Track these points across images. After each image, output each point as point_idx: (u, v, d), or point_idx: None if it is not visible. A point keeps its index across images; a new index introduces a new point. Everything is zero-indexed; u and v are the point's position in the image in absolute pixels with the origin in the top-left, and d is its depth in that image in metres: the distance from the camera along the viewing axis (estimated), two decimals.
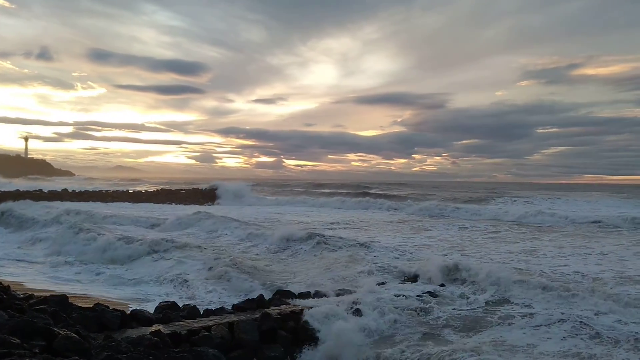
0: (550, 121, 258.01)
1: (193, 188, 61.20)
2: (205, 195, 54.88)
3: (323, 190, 72.42)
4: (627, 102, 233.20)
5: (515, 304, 10.12)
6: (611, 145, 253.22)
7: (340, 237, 18.66)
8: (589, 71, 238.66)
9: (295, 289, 11.32)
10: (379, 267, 14.06)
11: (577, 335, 7.94)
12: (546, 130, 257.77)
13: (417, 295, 10.68)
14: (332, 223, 28.29)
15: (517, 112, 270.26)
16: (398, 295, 10.42)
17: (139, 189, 65.67)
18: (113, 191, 56.24)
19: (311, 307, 9.22)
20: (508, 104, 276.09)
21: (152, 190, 60.03)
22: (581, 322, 8.31)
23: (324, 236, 18.27)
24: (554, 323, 8.44)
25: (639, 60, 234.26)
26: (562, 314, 8.79)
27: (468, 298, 10.79)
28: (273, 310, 8.96)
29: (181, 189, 60.36)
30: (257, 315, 8.56)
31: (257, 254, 17.39)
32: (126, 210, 35.51)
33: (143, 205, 44.63)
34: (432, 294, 10.95)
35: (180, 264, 14.79)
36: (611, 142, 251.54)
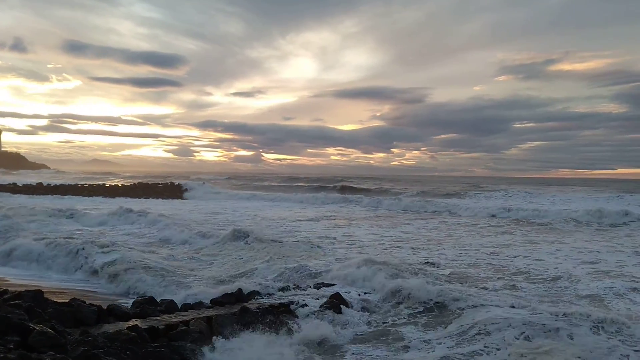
0: (526, 116, 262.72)
1: (171, 182, 61.00)
2: (177, 189, 54.85)
3: (292, 185, 71.13)
4: (602, 97, 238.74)
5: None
6: (586, 140, 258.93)
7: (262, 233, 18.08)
8: (565, 67, 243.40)
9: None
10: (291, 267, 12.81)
11: None
12: (523, 125, 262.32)
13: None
14: (282, 219, 28.18)
15: (495, 107, 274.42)
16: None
17: (115, 182, 64.99)
18: (89, 185, 55.58)
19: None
20: (486, 99, 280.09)
21: (128, 184, 59.45)
22: None
23: (245, 232, 17.40)
24: None
25: (614, 57, 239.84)
26: None
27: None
28: (252, 305, 8.98)
29: (158, 183, 59.99)
30: (236, 310, 8.57)
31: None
32: (83, 204, 34.89)
33: (117, 200, 43.78)
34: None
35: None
36: (586, 137, 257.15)
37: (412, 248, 17.25)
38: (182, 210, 32.78)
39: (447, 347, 7.39)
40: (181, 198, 49.23)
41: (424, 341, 7.78)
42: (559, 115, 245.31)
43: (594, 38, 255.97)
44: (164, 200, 45.80)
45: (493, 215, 29.40)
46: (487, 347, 7.15)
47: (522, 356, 6.58)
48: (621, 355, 6.59)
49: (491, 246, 17.63)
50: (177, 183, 58.81)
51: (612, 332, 7.41)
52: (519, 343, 7.06)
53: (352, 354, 7.41)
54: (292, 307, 9.09)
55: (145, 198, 46.72)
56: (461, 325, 8.08)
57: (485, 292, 10.44)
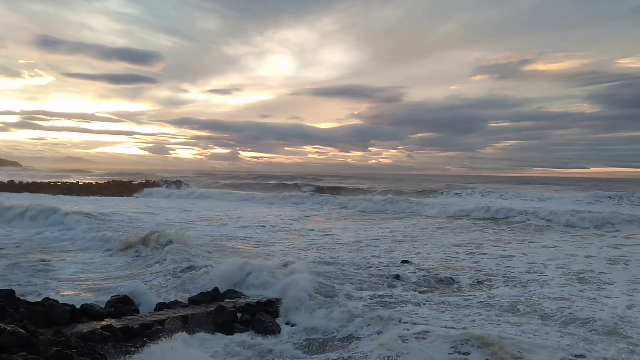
0: (502, 115, 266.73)
1: (146, 180, 60.47)
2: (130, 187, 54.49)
3: (266, 183, 69.65)
4: (576, 97, 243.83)
5: None
6: (560, 140, 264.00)
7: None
8: (540, 67, 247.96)
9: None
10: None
11: None
12: (498, 124, 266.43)
13: None
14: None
15: (470, 106, 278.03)
16: None
17: (87, 180, 63.98)
18: (62, 183, 54.59)
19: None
20: (462, 98, 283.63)
21: (102, 182, 58.63)
22: None
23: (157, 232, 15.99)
24: None
25: (587, 57, 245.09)
26: None
27: None
28: (228, 304, 8.97)
29: (132, 181, 59.34)
30: (212, 309, 8.55)
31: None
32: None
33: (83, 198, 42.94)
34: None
35: None
36: (560, 137, 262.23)
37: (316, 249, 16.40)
38: (126, 208, 30.91)
39: None
40: (130, 196, 48.21)
41: None
42: (534, 115, 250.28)
43: (568, 39, 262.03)
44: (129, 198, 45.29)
45: (450, 216, 29.68)
46: None
47: None
48: None
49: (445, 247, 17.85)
50: (137, 182, 57.99)
51: None
52: None
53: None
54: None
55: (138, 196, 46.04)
56: None
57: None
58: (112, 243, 15.86)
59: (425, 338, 7.31)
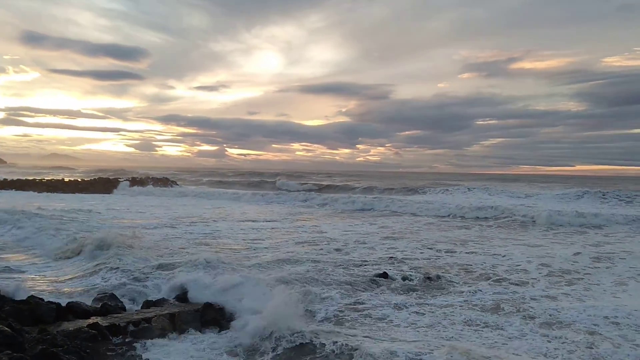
0: (489, 113, 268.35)
1: (132, 177, 60.18)
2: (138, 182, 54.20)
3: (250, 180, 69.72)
4: (562, 95, 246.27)
5: None
6: (546, 138, 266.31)
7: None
8: (527, 65, 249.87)
9: None
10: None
11: None
12: (485, 122, 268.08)
13: None
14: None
15: (458, 104, 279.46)
16: None
17: (74, 177, 63.49)
18: (48, 180, 54.13)
19: None
20: (449, 96, 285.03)
21: (88, 179, 58.20)
22: None
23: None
24: None
25: (573, 56, 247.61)
26: None
27: None
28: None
29: (119, 178, 58.97)
30: (199, 307, 8.55)
31: None
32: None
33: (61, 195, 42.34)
34: None
35: None
36: (546, 135, 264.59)
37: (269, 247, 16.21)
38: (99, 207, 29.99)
39: None
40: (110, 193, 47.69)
41: None
42: (520, 113, 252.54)
43: (554, 37, 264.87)
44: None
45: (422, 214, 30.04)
46: None
47: None
48: None
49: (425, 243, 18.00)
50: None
51: None
52: None
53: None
54: None
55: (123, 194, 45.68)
56: None
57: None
58: (51, 246, 15.07)
59: None
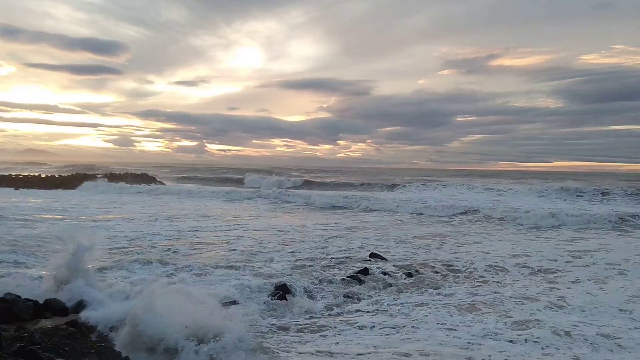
0: (469, 110, 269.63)
1: (111, 173, 59.50)
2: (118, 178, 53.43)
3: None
4: (541, 92, 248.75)
5: None
6: (525, 134, 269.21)
7: None
8: (506, 62, 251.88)
9: None
10: None
11: None
12: (465, 119, 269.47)
13: None
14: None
15: (438, 100, 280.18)
16: None
17: (50, 173, 62.46)
18: (24, 176, 53.20)
19: None
20: (429, 92, 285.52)
21: (66, 175, 57.33)
22: None
23: None
24: None
25: (552, 53, 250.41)
26: None
27: None
28: None
29: (97, 174, 58.27)
30: None
31: None
32: None
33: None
34: None
35: None
36: (525, 131, 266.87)
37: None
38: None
39: None
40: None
41: None
42: (499, 110, 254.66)
43: (533, 35, 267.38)
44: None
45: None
46: None
47: None
48: None
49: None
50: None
51: None
52: None
53: None
54: None
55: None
56: None
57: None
58: None
59: None
